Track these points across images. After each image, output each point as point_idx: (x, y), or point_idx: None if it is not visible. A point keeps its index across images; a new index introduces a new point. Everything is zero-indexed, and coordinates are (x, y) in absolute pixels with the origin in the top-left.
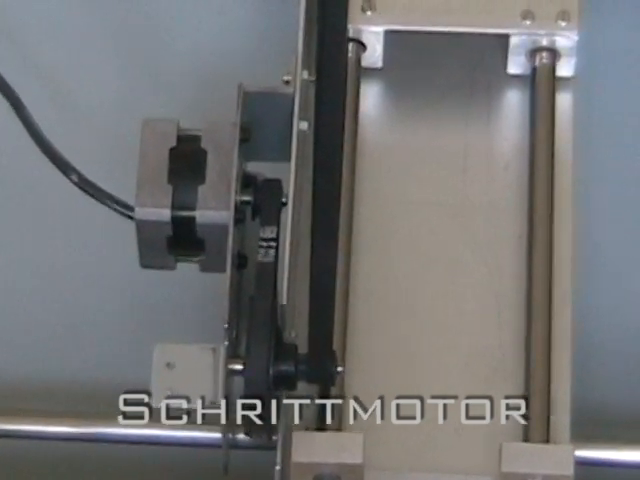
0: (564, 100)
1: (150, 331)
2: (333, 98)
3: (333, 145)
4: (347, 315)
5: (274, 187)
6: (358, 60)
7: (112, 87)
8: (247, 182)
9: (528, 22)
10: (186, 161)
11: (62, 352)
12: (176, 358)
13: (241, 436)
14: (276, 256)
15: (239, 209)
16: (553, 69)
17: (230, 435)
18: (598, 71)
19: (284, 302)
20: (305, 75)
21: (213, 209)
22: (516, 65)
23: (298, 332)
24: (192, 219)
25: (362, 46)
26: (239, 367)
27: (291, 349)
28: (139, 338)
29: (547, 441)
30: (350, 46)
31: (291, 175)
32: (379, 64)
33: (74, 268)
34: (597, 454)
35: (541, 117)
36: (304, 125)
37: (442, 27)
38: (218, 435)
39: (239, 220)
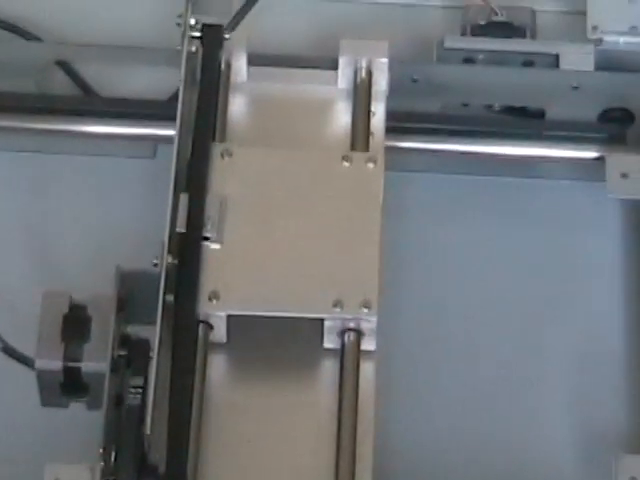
0: (367, 368)
1: (51, 453)
2: (184, 370)
3: (183, 404)
4: (199, 444)
5: (143, 345)
6: (206, 337)
7: (18, 266)
8: (124, 341)
9: (338, 309)
10: (75, 324)
11: None
12: (62, 475)
13: None
14: (143, 397)
15: (116, 361)
16: (358, 344)
17: None
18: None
19: (148, 432)
20: (169, 259)
21: (95, 361)
22: (330, 341)
23: (162, 455)
24: (79, 369)
25: (209, 326)
26: None
27: (153, 469)
28: (41, 459)
29: None
30: (200, 326)
31: (156, 336)
32: (224, 340)
33: None
34: None
35: (347, 383)
36: (169, 297)
37: (271, 312)
38: None
39: (116, 369)
